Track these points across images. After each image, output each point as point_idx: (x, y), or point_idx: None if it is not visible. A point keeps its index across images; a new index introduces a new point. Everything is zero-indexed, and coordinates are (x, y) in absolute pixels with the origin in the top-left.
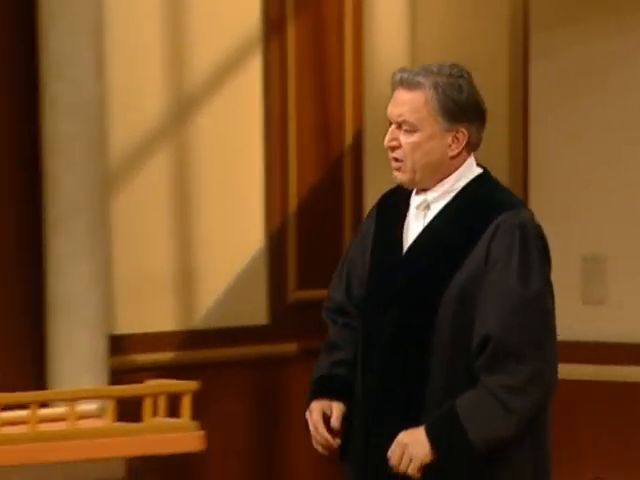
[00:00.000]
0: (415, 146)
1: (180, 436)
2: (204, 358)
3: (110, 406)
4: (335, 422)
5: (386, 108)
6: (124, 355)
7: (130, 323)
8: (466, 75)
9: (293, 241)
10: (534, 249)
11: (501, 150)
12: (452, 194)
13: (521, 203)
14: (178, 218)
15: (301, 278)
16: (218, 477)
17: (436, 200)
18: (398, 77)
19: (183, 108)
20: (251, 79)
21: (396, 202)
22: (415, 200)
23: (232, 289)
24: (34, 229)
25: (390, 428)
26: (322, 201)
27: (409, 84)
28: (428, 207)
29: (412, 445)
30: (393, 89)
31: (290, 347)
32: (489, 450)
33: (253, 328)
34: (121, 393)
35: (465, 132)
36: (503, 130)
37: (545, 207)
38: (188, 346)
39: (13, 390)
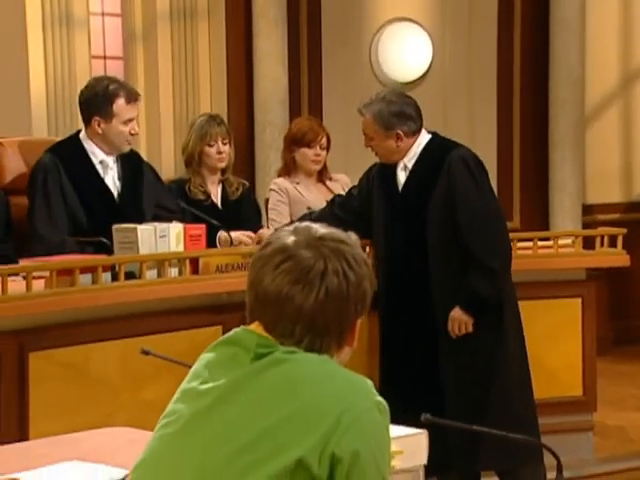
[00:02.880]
0: (375, 147)
1: (616, 257)
2: (635, 219)
3: (578, 241)
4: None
5: None
6: (590, 215)
7: (594, 197)
8: (389, 97)
9: None
10: (482, 173)
11: None
12: (417, 155)
13: (460, 144)
14: (624, 136)
15: None
16: (635, 282)
17: (409, 160)
18: (358, 108)
19: (630, 77)
20: None
21: (386, 170)
22: (399, 166)
23: None
24: (541, 147)
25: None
26: None
27: (361, 112)
28: (406, 167)
29: (460, 314)
30: None
31: None
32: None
33: None
34: (583, 234)
35: (400, 132)
36: None
37: None
38: (627, 211)
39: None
